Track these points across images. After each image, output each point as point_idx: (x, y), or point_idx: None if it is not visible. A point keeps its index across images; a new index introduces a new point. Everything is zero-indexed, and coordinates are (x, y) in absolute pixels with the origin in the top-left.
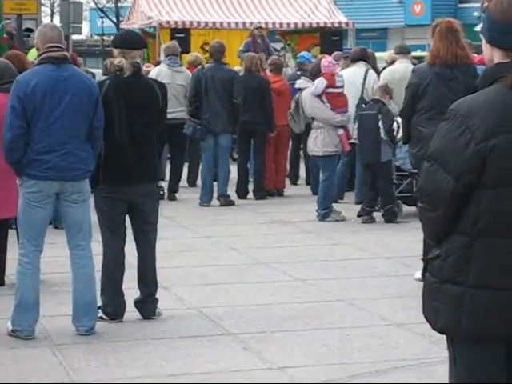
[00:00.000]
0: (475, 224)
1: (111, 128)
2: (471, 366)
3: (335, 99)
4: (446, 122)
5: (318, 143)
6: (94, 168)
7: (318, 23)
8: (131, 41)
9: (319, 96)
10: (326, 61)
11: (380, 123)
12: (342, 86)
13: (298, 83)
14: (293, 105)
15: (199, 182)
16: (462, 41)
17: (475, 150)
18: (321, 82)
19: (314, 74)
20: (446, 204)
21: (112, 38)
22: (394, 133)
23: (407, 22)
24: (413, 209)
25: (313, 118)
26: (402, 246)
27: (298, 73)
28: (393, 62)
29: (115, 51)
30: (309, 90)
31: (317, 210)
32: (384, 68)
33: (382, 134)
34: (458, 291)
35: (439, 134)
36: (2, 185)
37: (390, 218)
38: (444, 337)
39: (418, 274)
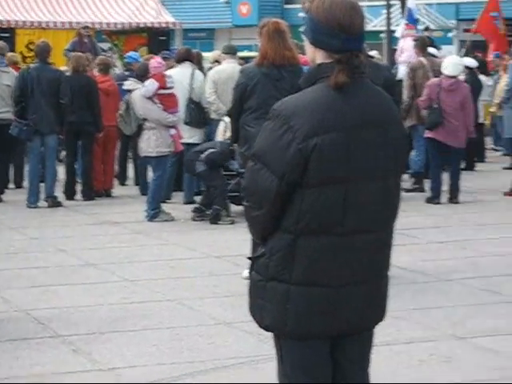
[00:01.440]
0: (298, 222)
1: None
2: (297, 362)
3: (166, 100)
4: (270, 121)
5: (152, 144)
6: None
7: (145, 23)
8: None
9: (150, 97)
10: (155, 62)
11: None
12: (173, 87)
13: (127, 84)
14: (123, 106)
15: (26, 183)
16: (288, 41)
17: (297, 149)
18: (152, 84)
19: (140, 75)
20: (271, 203)
21: None
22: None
23: (234, 23)
24: (241, 208)
25: (144, 119)
26: (231, 245)
27: (126, 73)
28: (216, 61)
29: None
30: (139, 91)
31: (146, 210)
32: (210, 68)
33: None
34: (283, 289)
35: (263, 133)
36: None
37: (213, 219)
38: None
39: (246, 273)
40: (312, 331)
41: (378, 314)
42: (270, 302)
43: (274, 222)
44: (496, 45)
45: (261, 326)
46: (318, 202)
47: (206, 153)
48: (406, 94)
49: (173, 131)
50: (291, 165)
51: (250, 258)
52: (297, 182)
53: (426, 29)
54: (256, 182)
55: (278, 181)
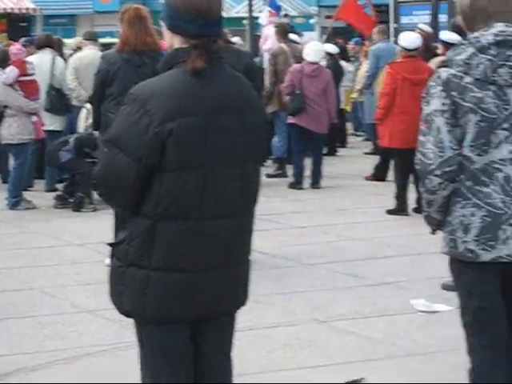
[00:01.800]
0: (157, 207)
1: None
2: (157, 347)
3: (28, 87)
4: (126, 106)
5: (12, 131)
6: None
7: (4, 9)
8: None
9: (11, 84)
10: (15, 48)
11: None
12: (34, 74)
13: None
14: None
15: None
16: (150, 27)
17: (154, 133)
18: (12, 71)
19: (1, 62)
20: (129, 187)
21: None
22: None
23: (96, 9)
24: None
25: (5, 106)
26: (93, 232)
27: None
28: (79, 48)
29: None
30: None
31: (6, 199)
32: (71, 55)
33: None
34: (143, 274)
35: (119, 118)
36: None
37: (75, 207)
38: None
39: (109, 261)
40: (171, 316)
41: (239, 298)
42: (129, 287)
43: (134, 206)
44: (370, 32)
45: (121, 312)
46: (176, 187)
47: (75, 136)
48: (267, 81)
49: (34, 118)
50: (148, 148)
51: (110, 245)
52: (155, 167)
53: (286, 15)
54: (113, 168)
55: (136, 164)
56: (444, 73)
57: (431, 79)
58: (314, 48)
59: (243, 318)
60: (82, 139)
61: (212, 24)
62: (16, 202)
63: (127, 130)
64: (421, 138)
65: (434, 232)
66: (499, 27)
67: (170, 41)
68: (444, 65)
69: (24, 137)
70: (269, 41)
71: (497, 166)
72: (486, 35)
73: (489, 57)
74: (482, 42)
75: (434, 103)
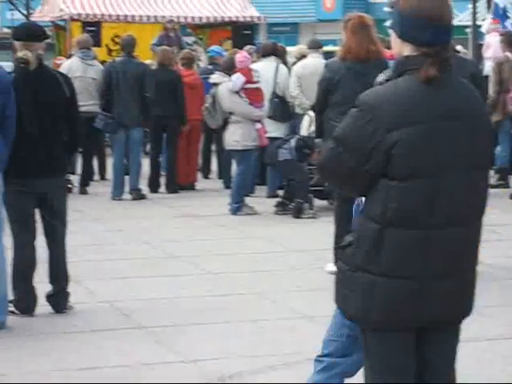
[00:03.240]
0: (385, 212)
1: (19, 121)
2: (382, 354)
3: (253, 94)
4: (356, 109)
5: (237, 138)
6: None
7: (229, 17)
8: (34, 33)
9: (237, 91)
10: (241, 56)
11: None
12: (259, 81)
13: (213, 78)
14: (209, 100)
15: (110, 175)
16: (373, 36)
17: (379, 141)
18: (239, 78)
19: (227, 69)
20: (351, 187)
21: (12, 30)
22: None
23: (319, 17)
24: (324, 202)
25: (230, 113)
26: (312, 239)
27: (210, 67)
28: (302, 56)
29: (17, 44)
30: (226, 85)
31: (229, 204)
32: (294, 63)
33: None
34: (369, 279)
35: (347, 119)
36: None
37: (296, 213)
38: None
39: (329, 267)
40: (396, 322)
41: (464, 308)
42: (355, 291)
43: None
44: None
45: (345, 316)
46: (404, 195)
47: (297, 136)
48: (492, 89)
49: (258, 125)
50: (372, 156)
51: (337, 248)
52: (379, 173)
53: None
54: (335, 166)
55: (358, 169)
56: None
57: None
58: None
59: (465, 329)
60: (304, 140)
61: (443, 31)
62: (238, 207)
63: (353, 132)
64: None
65: None
66: None
67: (400, 49)
68: None
69: (248, 143)
70: (490, 49)
71: None
72: None
73: None
74: None
75: None
